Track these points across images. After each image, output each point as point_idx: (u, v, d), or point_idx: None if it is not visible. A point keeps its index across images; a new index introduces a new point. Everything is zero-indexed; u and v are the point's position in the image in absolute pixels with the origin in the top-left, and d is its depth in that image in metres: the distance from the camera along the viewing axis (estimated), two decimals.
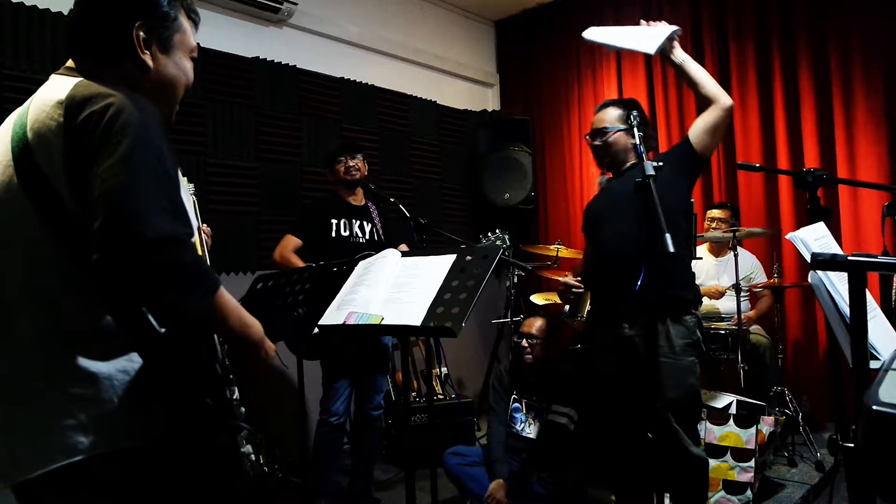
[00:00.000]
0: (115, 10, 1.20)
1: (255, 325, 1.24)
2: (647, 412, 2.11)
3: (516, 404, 3.02)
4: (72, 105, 1.08)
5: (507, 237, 3.16)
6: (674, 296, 2.30)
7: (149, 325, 1.11)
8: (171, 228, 1.02)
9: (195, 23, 1.33)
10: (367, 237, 3.14)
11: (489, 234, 3.28)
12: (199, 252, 1.81)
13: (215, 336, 1.30)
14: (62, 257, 1.07)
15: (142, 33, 1.19)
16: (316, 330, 1.93)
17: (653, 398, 2.11)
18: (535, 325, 3.00)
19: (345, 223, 3.10)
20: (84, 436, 1.06)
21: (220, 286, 1.13)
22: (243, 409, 1.33)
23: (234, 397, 1.29)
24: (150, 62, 1.21)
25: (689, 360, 2.30)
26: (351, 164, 3.09)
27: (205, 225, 2.02)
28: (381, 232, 3.19)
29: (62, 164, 1.06)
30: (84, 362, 1.07)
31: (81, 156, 1.05)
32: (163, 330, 1.12)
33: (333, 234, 3.06)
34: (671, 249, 1.62)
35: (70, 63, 1.21)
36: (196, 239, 1.88)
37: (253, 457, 1.32)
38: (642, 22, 2.40)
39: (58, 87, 1.13)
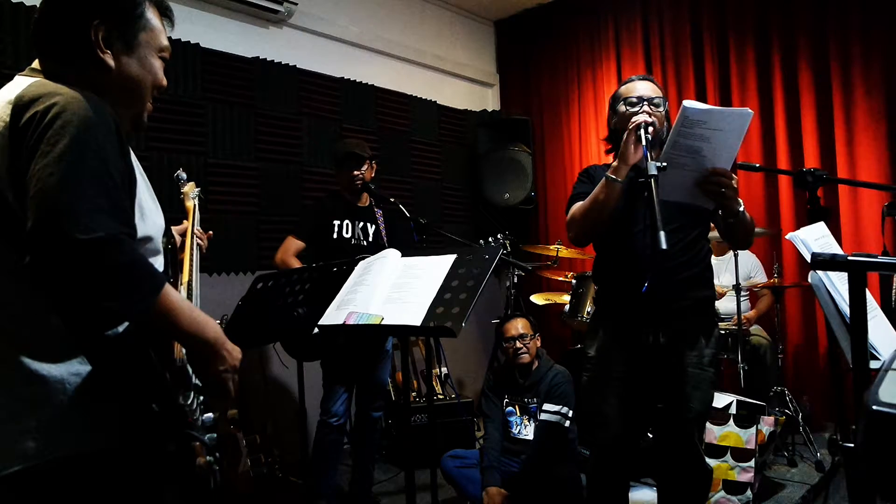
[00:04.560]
0: (73, 9, 1.16)
1: (210, 325, 1.16)
2: (672, 424, 2.06)
3: (510, 408, 3.02)
4: (19, 105, 1.05)
5: (507, 242, 3.14)
6: (703, 298, 2.18)
7: (93, 326, 1.08)
8: (105, 229, 0.98)
9: (170, 20, 1.28)
10: (371, 239, 3.12)
11: (490, 238, 3.28)
12: (188, 256, 1.79)
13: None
14: (12, 259, 1.04)
15: (101, 32, 1.16)
16: (316, 330, 1.92)
17: (680, 411, 2.06)
18: (520, 324, 3.00)
19: (347, 224, 3.08)
20: (34, 441, 1.03)
21: (163, 286, 1.07)
22: (209, 415, 1.23)
23: (190, 403, 1.20)
24: (110, 62, 1.17)
25: (713, 371, 2.20)
26: (356, 173, 3.07)
27: (199, 229, 2.00)
28: (384, 234, 3.17)
29: (6, 165, 1.04)
30: (34, 365, 1.05)
31: (23, 156, 1.02)
32: (108, 332, 1.08)
33: (335, 236, 3.04)
34: (664, 246, 1.61)
35: (35, 64, 1.19)
36: (187, 242, 1.87)
37: (217, 466, 1.23)
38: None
39: (13, 87, 1.11)
